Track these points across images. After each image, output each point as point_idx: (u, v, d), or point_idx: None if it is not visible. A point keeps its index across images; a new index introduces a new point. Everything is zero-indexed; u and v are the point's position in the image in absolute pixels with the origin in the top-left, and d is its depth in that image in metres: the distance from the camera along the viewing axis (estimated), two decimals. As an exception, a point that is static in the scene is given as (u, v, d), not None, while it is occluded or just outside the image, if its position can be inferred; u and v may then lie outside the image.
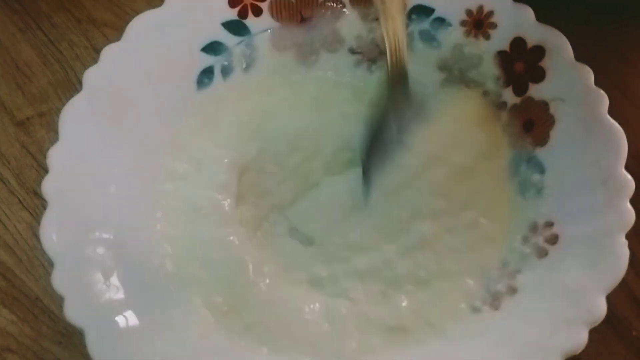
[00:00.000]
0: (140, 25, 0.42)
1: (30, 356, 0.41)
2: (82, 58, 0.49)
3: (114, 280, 0.37)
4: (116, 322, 0.35)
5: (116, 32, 0.43)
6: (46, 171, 0.38)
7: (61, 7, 0.51)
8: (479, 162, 0.41)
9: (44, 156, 0.39)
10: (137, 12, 0.43)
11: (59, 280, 0.35)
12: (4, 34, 0.50)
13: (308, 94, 0.44)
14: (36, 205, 0.44)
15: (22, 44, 0.50)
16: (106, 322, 0.35)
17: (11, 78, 0.48)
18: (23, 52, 0.49)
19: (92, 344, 0.34)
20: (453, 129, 0.42)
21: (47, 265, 0.42)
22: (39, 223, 0.37)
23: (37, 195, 0.44)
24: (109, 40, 0.44)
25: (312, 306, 0.38)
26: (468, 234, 0.40)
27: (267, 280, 0.39)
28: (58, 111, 0.40)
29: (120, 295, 0.36)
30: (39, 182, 0.38)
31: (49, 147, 0.39)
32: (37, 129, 0.47)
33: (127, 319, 0.36)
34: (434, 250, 0.40)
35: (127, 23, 0.42)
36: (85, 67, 0.42)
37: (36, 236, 0.43)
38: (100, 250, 0.37)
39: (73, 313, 0.34)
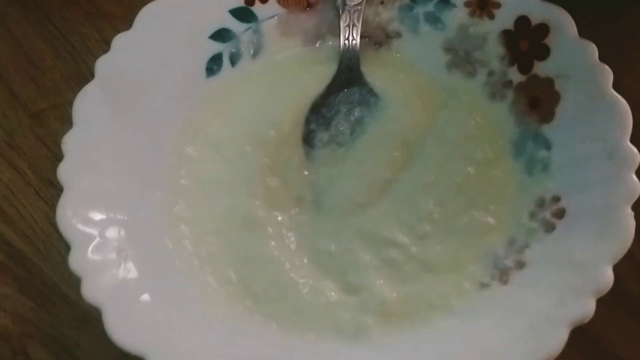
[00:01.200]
0: (150, 14, 0.43)
1: (49, 341, 0.41)
2: (93, 50, 0.49)
3: (129, 261, 0.37)
4: (132, 301, 0.36)
5: (126, 24, 0.44)
6: (61, 161, 0.39)
7: (72, 2, 0.51)
8: (483, 168, 0.42)
9: (59, 147, 0.40)
10: (146, 4, 0.43)
11: (76, 262, 0.36)
12: (17, 29, 0.51)
13: (316, 77, 0.45)
14: (52, 195, 0.45)
15: (35, 39, 0.50)
16: (123, 301, 0.36)
17: (25, 72, 0.49)
18: (36, 46, 0.50)
19: (110, 323, 0.35)
20: (458, 137, 0.43)
21: (63, 253, 0.43)
22: (55, 212, 0.37)
23: (53, 185, 0.45)
24: (119, 32, 0.45)
25: (316, 282, 0.39)
26: (473, 228, 0.40)
27: (277, 253, 0.40)
28: (71, 103, 0.41)
29: (135, 275, 0.37)
30: (54, 172, 0.39)
31: (64, 137, 0.39)
32: (51, 121, 0.47)
33: (143, 299, 0.37)
34: (438, 239, 0.40)
35: (136, 15, 0.43)
36: (97, 59, 0.42)
37: (53, 225, 0.44)
38: (115, 231, 0.38)
39: (90, 293, 0.35)
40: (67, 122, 0.41)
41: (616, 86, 0.39)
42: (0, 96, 0.48)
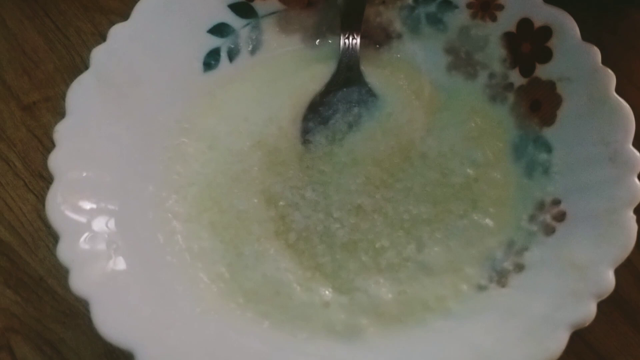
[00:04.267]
0: (148, 5, 0.42)
1: (34, 336, 0.41)
2: (88, 44, 0.49)
3: (119, 253, 0.37)
4: (121, 295, 0.35)
5: (122, 18, 0.43)
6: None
7: (69, -5, 0.51)
8: (483, 170, 0.41)
9: (50, 140, 0.39)
10: (144, -1, 0.43)
11: (64, 252, 0.35)
12: (11, 20, 0.50)
13: (315, 75, 0.44)
14: (41, 187, 0.44)
15: (30, 31, 0.50)
16: (111, 294, 0.35)
17: (18, 64, 0.49)
18: (30, 38, 0.50)
19: (98, 315, 0.34)
20: (458, 138, 0.42)
21: (51, 246, 0.42)
22: (44, 205, 0.37)
23: (43, 178, 0.45)
24: (115, 26, 0.44)
25: (310, 281, 0.39)
26: (471, 230, 0.40)
27: (272, 251, 0.39)
28: (64, 95, 0.40)
29: (124, 268, 0.36)
30: (44, 165, 0.38)
31: (55, 130, 0.39)
32: (43, 113, 0.47)
33: (132, 292, 0.36)
34: (436, 241, 0.40)
35: (133, 9, 0.42)
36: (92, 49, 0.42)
37: (41, 218, 0.43)
38: (104, 221, 0.37)
39: (78, 284, 0.34)
40: (59, 115, 0.41)
41: (616, 93, 0.39)
42: (-8, 87, 0.48)
